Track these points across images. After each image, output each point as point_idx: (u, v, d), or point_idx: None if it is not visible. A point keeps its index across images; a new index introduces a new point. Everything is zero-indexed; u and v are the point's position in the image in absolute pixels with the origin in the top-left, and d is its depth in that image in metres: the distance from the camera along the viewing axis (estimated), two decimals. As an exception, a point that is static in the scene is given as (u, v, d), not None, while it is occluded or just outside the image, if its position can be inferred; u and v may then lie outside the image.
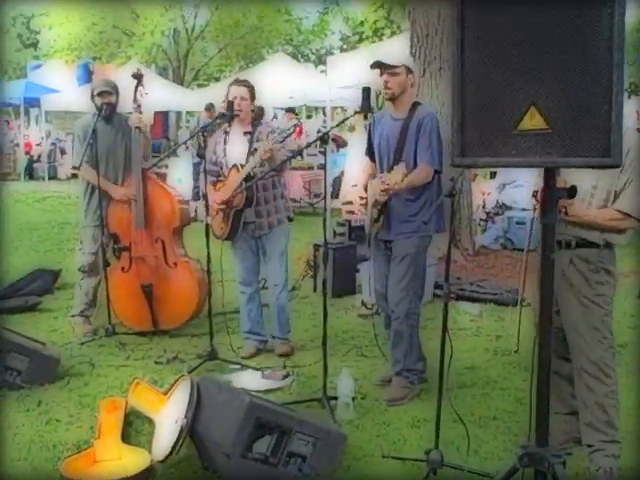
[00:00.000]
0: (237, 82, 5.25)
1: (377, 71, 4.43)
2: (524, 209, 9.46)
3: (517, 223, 9.29)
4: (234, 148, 5.21)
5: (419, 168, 4.35)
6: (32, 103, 20.74)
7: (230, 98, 5.10)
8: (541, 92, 2.19)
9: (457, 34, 2.28)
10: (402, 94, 4.41)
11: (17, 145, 21.14)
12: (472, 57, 2.29)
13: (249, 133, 5.20)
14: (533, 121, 2.21)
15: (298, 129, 21.34)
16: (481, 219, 10.13)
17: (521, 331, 5.50)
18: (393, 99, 4.44)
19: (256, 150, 4.94)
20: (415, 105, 4.46)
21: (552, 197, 2.36)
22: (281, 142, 4.95)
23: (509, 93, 2.25)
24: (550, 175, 2.35)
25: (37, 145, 21.45)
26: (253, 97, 5.21)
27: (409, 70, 4.40)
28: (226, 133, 5.29)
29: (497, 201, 10.48)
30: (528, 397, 2.55)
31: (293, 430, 3.38)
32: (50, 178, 20.03)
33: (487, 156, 2.30)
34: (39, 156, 21.29)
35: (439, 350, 3.50)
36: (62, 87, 20.54)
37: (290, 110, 15.95)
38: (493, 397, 4.56)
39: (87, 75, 21.21)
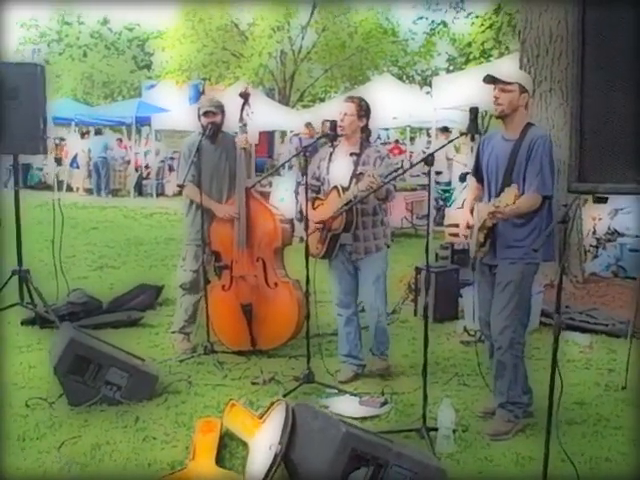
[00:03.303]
0: (347, 98, 5.18)
1: (484, 92, 4.27)
2: (637, 236, 9.02)
3: (630, 250, 8.87)
4: (338, 168, 5.10)
5: (527, 195, 4.12)
6: (143, 122, 21.48)
7: (338, 116, 5.02)
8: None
9: (578, 53, 2.13)
10: (513, 113, 4.21)
11: (128, 162, 21.89)
12: (593, 77, 2.13)
13: (356, 154, 5.07)
14: (661, 145, 2.02)
15: (398, 150, 21.23)
16: (591, 245, 9.70)
17: (632, 366, 5.20)
18: (503, 117, 4.26)
19: (361, 174, 4.83)
20: (528, 126, 4.25)
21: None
22: (386, 177, 4.78)
23: (632, 115, 2.07)
24: (679, 203, 2.15)
25: (146, 165, 22.16)
26: (362, 114, 5.06)
27: (523, 89, 4.20)
28: (332, 151, 5.20)
29: (609, 227, 10.02)
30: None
31: (390, 463, 3.26)
32: (158, 195, 20.63)
33: (608, 182, 2.11)
34: (148, 173, 21.99)
35: (546, 382, 3.28)
36: (172, 107, 21.22)
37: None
38: (605, 436, 4.28)
39: (198, 95, 21.81)
